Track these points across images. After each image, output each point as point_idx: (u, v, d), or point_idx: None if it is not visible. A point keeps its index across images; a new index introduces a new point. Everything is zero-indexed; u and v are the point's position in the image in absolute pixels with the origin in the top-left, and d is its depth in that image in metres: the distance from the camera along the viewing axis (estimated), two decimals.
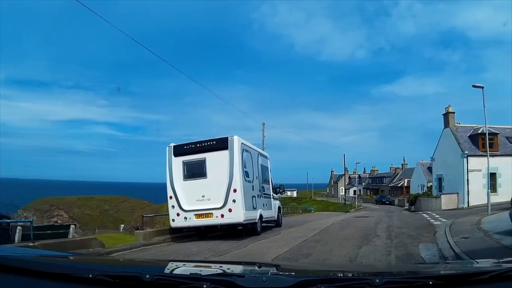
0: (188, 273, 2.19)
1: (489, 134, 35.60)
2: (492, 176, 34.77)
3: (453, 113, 38.63)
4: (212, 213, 15.06)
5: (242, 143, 16.04)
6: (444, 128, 39.30)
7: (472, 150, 35.38)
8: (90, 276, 1.97)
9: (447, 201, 34.93)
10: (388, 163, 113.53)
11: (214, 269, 2.86)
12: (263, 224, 18.12)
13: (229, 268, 2.84)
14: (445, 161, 38.26)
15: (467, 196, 34.17)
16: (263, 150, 41.78)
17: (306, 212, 54.28)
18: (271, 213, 19.41)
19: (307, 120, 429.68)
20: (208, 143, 15.77)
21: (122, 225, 25.31)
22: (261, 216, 17.08)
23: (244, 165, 15.69)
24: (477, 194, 33.77)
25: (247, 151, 16.56)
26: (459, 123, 38.95)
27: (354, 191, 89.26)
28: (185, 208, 15.33)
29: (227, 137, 15.47)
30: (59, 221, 31.99)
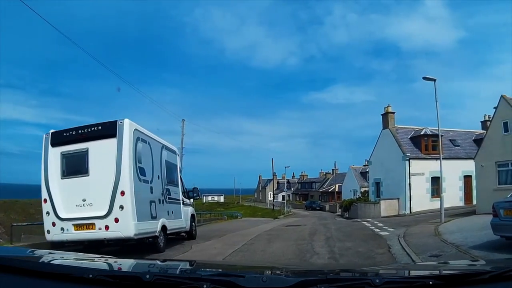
0: (188, 273, 2.24)
1: (433, 136, 33.30)
2: (436, 181, 32.37)
3: (393, 113, 35.76)
4: (94, 224, 11.12)
5: (136, 129, 11.93)
6: (383, 129, 36.32)
7: (414, 153, 32.56)
8: (90, 276, 1.95)
9: (387, 207, 31.80)
10: (317, 169, 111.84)
11: (214, 269, 2.86)
12: (171, 236, 14.64)
13: (229, 268, 2.98)
14: (384, 164, 35.23)
15: (409, 202, 31.23)
16: (181, 148, 37.39)
17: (232, 219, 50.82)
18: (180, 223, 15.25)
19: (236, 125, 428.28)
20: (93, 128, 11.82)
21: None
22: (164, 227, 13.12)
23: (138, 159, 11.76)
24: (420, 200, 31.31)
25: (144, 141, 12.42)
26: (397, 126, 36.16)
27: (283, 197, 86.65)
28: (61, 215, 11.39)
29: (116, 121, 11.55)
30: None
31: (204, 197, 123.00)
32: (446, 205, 31.49)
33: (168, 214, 13.71)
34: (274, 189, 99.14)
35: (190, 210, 16.98)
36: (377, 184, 37.16)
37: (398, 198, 32.12)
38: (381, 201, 32.52)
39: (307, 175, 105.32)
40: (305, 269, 3.58)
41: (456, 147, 35.12)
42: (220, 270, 2.74)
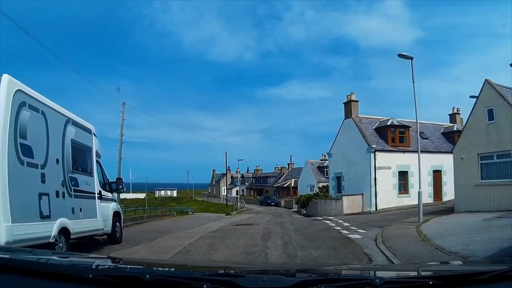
0: (188, 273, 2.17)
1: (400, 126, 30.81)
2: (403, 175, 29.79)
3: (357, 101, 32.74)
4: None
5: (20, 90, 8.15)
6: (345, 119, 33.23)
7: (380, 145, 29.68)
8: (90, 276, 1.95)
9: (350, 204, 28.81)
10: (272, 164, 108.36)
11: (214, 269, 2.76)
12: (82, 241, 11.25)
13: (229, 268, 2.86)
14: (346, 157, 32.27)
15: (374, 198, 28.32)
16: (121, 135, 32.91)
17: (182, 215, 47.16)
18: (94, 223, 11.54)
19: (191, 119, 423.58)
20: None
21: None
22: (65, 230, 9.44)
23: (21, 133, 8.05)
24: (386, 196, 28.59)
25: (34, 109, 8.69)
26: (361, 115, 33.14)
27: (237, 191, 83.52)
28: None
29: None
30: None
31: (157, 191, 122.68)
32: (414, 202, 29.05)
33: (74, 212, 10.05)
34: (228, 183, 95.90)
35: (112, 206, 13.24)
36: (338, 179, 34.03)
37: (362, 194, 29.21)
38: (343, 197, 29.32)
39: (261, 170, 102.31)
40: (305, 268, 3.12)
41: (424, 140, 32.62)
42: (220, 270, 2.65)
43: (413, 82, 18.80)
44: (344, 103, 33.29)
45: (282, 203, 65.45)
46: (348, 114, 32.70)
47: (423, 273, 2.40)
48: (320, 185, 50.92)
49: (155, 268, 2.54)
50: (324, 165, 63.50)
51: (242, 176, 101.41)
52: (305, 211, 38.98)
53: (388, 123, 30.78)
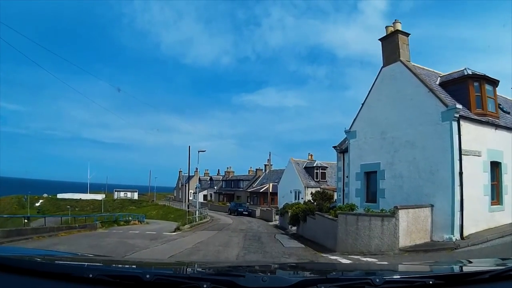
0: (188, 273, 2.17)
1: (488, 81, 16.44)
2: (494, 168, 15.52)
3: (407, 35, 17.81)
4: None
5: None
6: (385, 66, 18.08)
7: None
8: (90, 276, 1.89)
9: (410, 227, 13.78)
10: (246, 169, 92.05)
11: (214, 268, 2.70)
12: None
13: (229, 268, 2.78)
14: (388, 135, 17.38)
15: (459, 214, 13.66)
16: None
17: (117, 225, 33.88)
18: None
19: (164, 121, 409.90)
20: None
21: None
22: None
23: None
24: (474, 208, 14.55)
25: None
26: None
27: (205, 196, 68.91)
28: None
29: None
30: None
31: (116, 192, 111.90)
32: (507, 219, 14.99)
33: None
34: (194, 187, 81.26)
35: None
36: (369, 177, 18.47)
37: (432, 206, 14.46)
38: (400, 210, 13.48)
39: (233, 172, 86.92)
40: (306, 268, 3.23)
41: (507, 115, 18.43)
42: (220, 269, 2.61)
43: None
44: (381, 39, 18.20)
45: (257, 212, 50.78)
46: (390, 57, 17.62)
47: (423, 273, 2.32)
48: (313, 190, 36.68)
49: (155, 268, 2.54)
50: (314, 165, 49.11)
51: (211, 179, 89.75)
52: (296, 230, 24.79)
53: (468, 73, 16.37)
